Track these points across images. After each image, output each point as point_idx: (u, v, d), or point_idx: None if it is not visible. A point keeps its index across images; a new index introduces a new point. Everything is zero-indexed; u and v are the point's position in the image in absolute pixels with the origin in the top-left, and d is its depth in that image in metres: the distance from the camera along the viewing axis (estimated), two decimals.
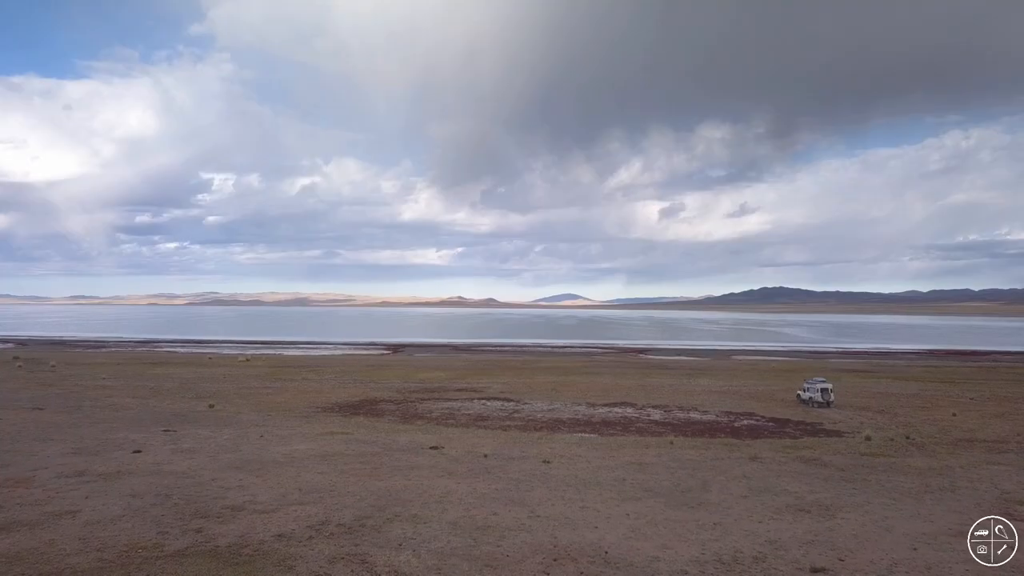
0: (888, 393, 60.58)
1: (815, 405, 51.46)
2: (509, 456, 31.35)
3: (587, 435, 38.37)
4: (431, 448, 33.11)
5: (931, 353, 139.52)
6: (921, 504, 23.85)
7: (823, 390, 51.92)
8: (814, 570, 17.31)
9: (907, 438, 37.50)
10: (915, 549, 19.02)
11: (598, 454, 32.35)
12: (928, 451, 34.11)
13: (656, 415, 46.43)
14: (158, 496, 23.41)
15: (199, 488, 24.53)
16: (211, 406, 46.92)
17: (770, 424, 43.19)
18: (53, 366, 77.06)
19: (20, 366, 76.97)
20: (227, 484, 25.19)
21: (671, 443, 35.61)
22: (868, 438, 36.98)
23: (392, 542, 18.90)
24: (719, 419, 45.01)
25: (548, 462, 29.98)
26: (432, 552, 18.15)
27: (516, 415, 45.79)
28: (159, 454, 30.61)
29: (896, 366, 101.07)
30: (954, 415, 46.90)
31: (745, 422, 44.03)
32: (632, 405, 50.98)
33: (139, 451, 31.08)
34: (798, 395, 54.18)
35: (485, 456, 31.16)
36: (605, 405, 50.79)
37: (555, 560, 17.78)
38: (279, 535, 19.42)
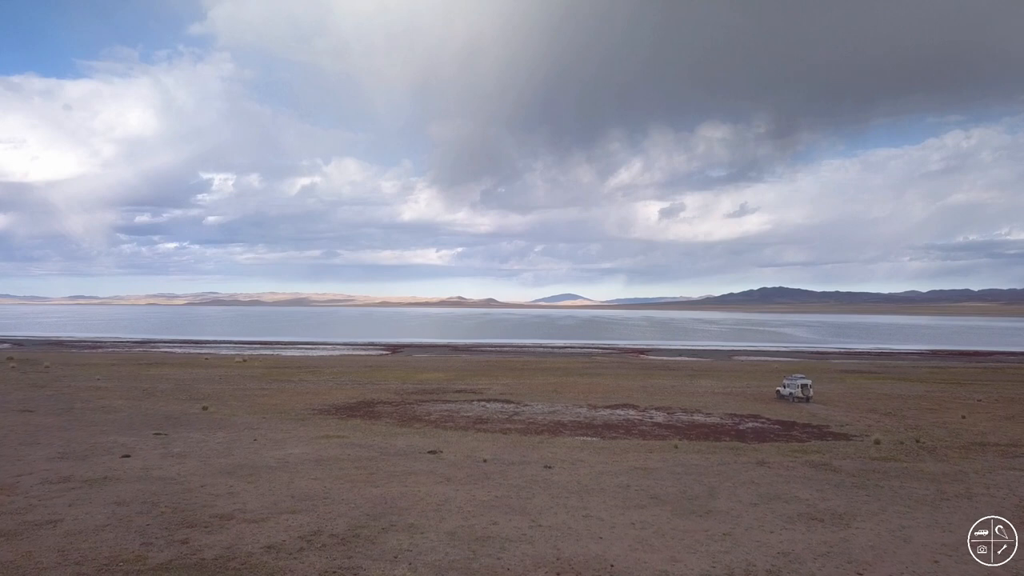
0: (894, 395, 59.73)
1: (795, 400, 53.68)
2: (509, 461, 30.43)
3: (589, 438, 37.47)
4: (429, 452, 32.20)
5: (934, 353, 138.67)
6: (938, 512, 22.93)
7: (803, 386, 54.56)
8: None
9: (917, 442, 36.63)
10: (936, 562, 18.09)
11: (601, 459, 31.44)
12: (940, 455, 33.22)
13: (659, 417, 45.54)
14: (144, 504, 22.44)
15: (187, 495, 23.57)
16: (205, 408, 46.01)
17: (776, 427, 42.31)
18: (47, 367, 76.14)
19: (13, 367, 76.02)
20: (217, 491, 24.23)
21: (675, 447, 34.73)
22: (877, 442, 36.12)
23: (387, 554, 17.94)
24: (723, 422, 44.13)
25: (549, 467, 29.06)
26: (429, 565, 17.21)
27: (516, 417, 44.90)
28: (148, 458, 29.66)
29: (900, 367, 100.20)
30: (963, 417, 46.02)
31: (750, 425, 43.16)
32: (634, 407, 50.11)
33: (128, 455, 30.14)
34: (778, 391, 56.10)
35: (484, 461, 30.25)
36: (607, 407, 49.91)
37: (558, 574, 16.85)
38: (269, 546, 18.45)
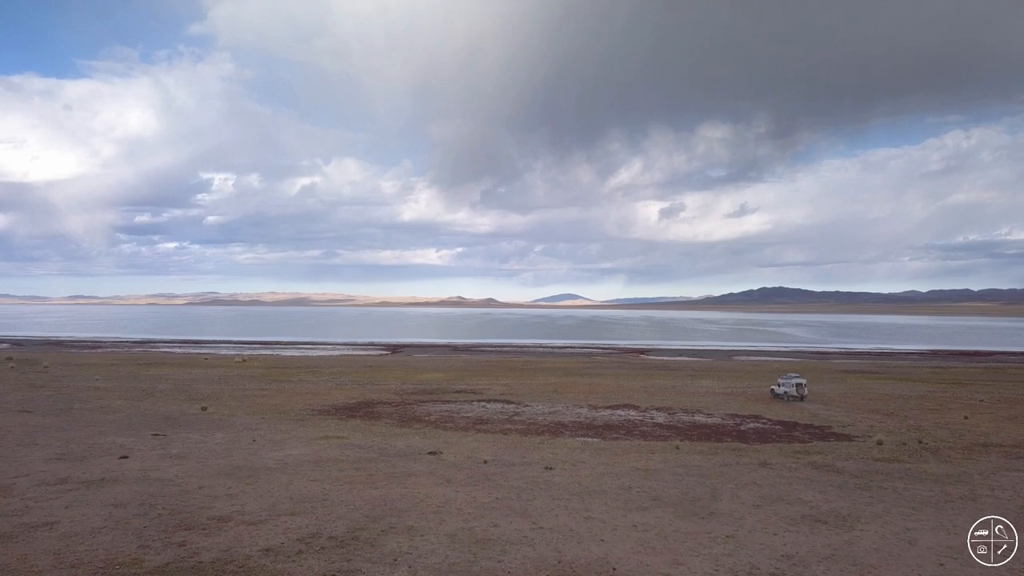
0: (895, 395, 59.53)
1: (789, 399, 53.91)
2: (510, 462, 30.23)
3: (590, 439, 37.28)
4: (429, 453, 32.00)
5: (935, 353, 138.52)
6: (942, 514, 22.73)
7: (798, 384, 54.82)
8: None
9: (920, 442, 36.44)
10: (942, 565, 17.89)
11: (602, 460, 31.24)
12: (943, 456, 33.02)
13: (660, 418, 45.34)
14: (142, 506, 22.24)
15: (185, 497, 23.37)
16: (204, 408, 45.81)
17: (778, 427, 42.12)
18: (46, 367, 75.94)
19: (12, 367, 75.81)
20: (215, 492, 24.03)
21: (677, 448, 34.53)
22: (880, 443, 35.93)
23: (386, 557, 17.74)
24: (725, 422, 43.93)
25: (550, 468, 28.86)
26: (429, 568, 17.01)
27: (516, 418, 44.70)
28: (146, 460, 29.46)
29: (901, 366, 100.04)
30: (966, 418, 45.84)
31: (752, 425, 42.96)
32: (635, 407, 49.91)
33: (126, 456, 29.94)
34: (772, 390, 56.43)
35: (485, 462, 30.04)
36: (607, 407, 49.71)
37: None
38: (267, 549, 18.24)
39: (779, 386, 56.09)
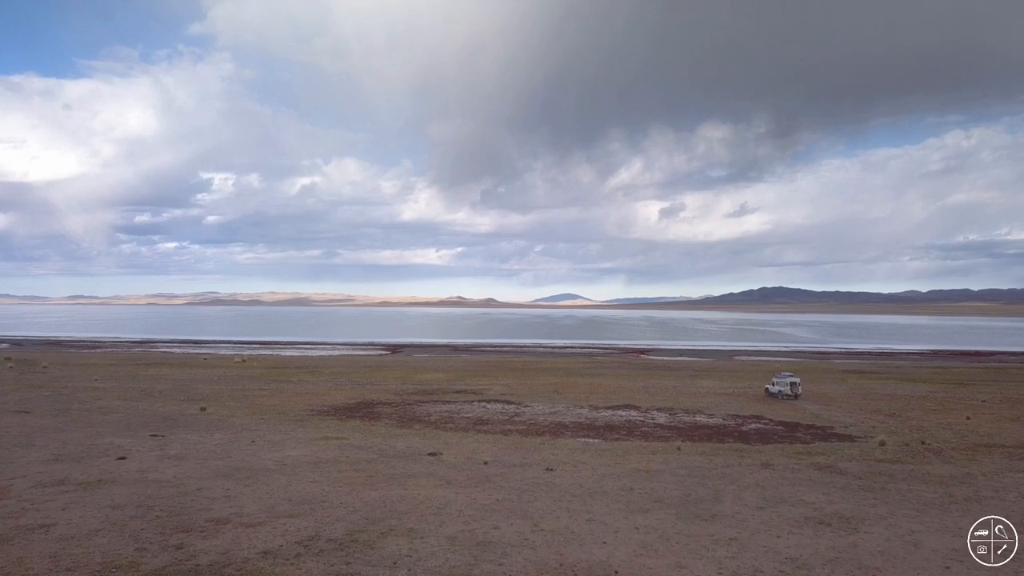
0: (897, 395, 59.36)
1: (784, 397, 54.38)
2: (510, 463, 30.04)
3: (591, 440, 37.10)
4: (429, 454, 31.81)
5: (936, 353, 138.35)
6: (947, 515, 22.52)
7: (792, 383, 55.36)
8: None
9: (923, 443, 36.26)
10: (948, 568, 17.68)
11: (603, 461, 31.05)
12: (946, 457, 32.83)
13: (661, 418, 45.15)
14: (139, 507, 22.03)
15: (183, 498, 23.16)
16: (203, 409, 45.62)
17: (779, 428, 41.94)
18: (45, 367, 75.77)
19: (11, 367, 75.63)
20: (213, 494, 23.82)
21: (678, 449, 34.35)
22: (882, 443, 35.75)
23: (386, 560, 17.53)
24: (726, 423, 43.74)
25: (551, 470, 28.66)
26: (429, 571, 16.80)
27: (517, 419, 44.51)
28: (144, 461, 29.26)
29: (902, 367, 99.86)
30: (968, 418, 45.65)
31: (753, 426, 42.77)
32: (636, 408, 49.72)
33: (124, 457, 29.74)
34: (767, 389, 56.96)
35: (485, 463, 29.85)
36: (608, 408, 49.52)
37: None
38: (265, 552, 18.03)
39: (773, 385, 56.59)
